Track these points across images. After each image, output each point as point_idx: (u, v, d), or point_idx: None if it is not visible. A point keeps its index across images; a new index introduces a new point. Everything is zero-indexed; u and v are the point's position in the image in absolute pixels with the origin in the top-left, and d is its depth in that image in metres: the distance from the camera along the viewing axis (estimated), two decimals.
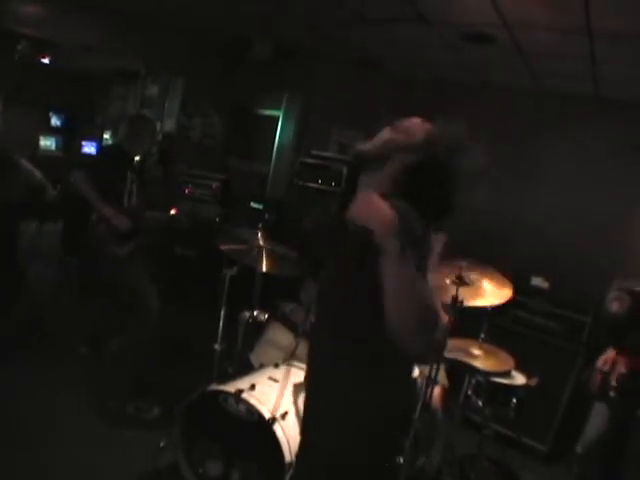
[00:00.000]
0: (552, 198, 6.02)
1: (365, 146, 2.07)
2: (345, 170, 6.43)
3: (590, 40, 4.24)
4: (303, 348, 3.77)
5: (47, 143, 12.18)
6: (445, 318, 1.71)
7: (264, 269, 4.13)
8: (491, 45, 4.99)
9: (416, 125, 2.05)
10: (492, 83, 6.32)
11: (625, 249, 5.50)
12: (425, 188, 1.93)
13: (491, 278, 3.93)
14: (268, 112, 8.12)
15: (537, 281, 5.55)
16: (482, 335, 4.17)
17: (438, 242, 4.42)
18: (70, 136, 12.31)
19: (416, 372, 3.80)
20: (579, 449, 4.10)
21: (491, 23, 4.42)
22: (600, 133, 5.81)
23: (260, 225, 4.27)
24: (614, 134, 5.73)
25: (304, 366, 3.84)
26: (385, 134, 2.06)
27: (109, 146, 5.72)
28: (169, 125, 7.90)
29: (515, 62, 5.34)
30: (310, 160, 6.86)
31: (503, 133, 6.13)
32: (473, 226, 5.11)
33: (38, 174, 6.23)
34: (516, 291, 3.97)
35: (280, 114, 7.91)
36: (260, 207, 7.14)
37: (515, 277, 4.04)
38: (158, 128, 5.12)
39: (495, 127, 6.07)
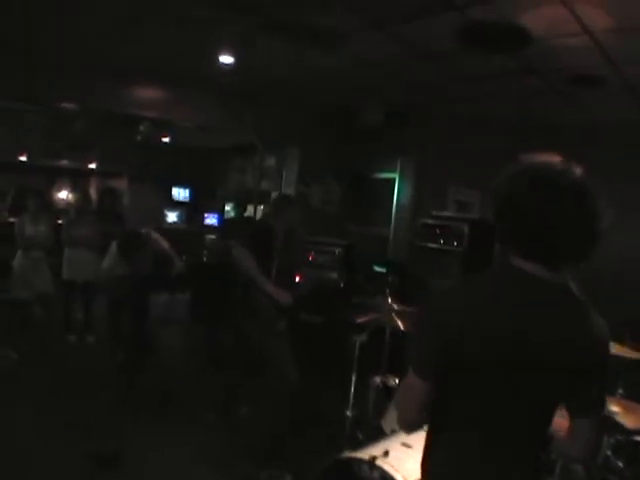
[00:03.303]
0: None
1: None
2: (466, 229, 6.40)
3: None
4: None
5: (172, 217, 12.70)
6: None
7: (401, 328, 4.12)
8: (600, 86, 4.94)
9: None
10: (604, 123, 6.21)
11: None
12: (506, 223, 1.77)
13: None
14: (384, 175, 8.21)
15: None
16: (620, 391, 3.99)
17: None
18: (193, 209, 12.82)
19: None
20: None
21: (598, 65, 4.41)
22: None
23: (387, 289, 4.27)
24: None
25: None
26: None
27: (260, 221, 6.04)
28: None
29: (625, 100, 5.25)
30: (430, 221, 6.86)
31: (619, 173, 5.98)
32: (597, 272, 4.96)
33: (166, 245, 6.50)
34: None
35: (396, 176, 7.99)
36: (383, 270, 7.15)
37: None
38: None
39: (610, 167, 5.95)
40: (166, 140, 11.03)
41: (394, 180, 8.06)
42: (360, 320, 4.16)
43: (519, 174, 1.73)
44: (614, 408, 3.86)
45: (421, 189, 7.94)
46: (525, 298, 1.75)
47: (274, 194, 8.32)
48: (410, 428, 1.97)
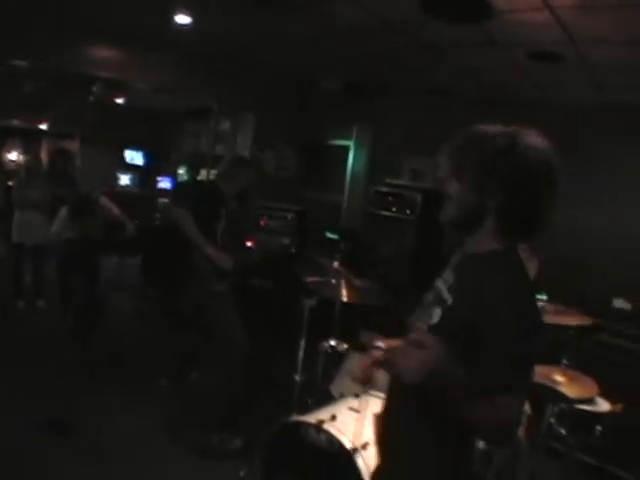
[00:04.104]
0: (629, 216, 5.87)
1: (447, 211, 1.87)
2: (419, 198, 6.45)
3: None
4: (383, 378, 3.76)
5: (125, 179, 12.57)
6: None
7: (344, 299, 4.14)
8: (559, 63, 4.98)
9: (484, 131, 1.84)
10: (561, 100, 6.26)
11: None
12: (513, 201, 1.74)
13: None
14: (339, 142, 8.19)
15: (619, 303, 5.41)
16: (564, 361, 4.07)
17: (532, 267, 4.31)
18: (146, 173, 12.68)
19: None
20: None
21: (558, 41, 4.42)
22: None
23: (338, 255, 4.26)
24: None
25: (384, 396, 3.83)
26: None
27: (207, 183, 5.92)
28: None
29: (582, 78, 5.31)
30: (384, 189, 6.90)
31: (574, 150, 6.05)
32: (548, 248, 5.04)
33: (116, 211, 6.46)
34: (598, 314, 3.88)
35: (351, 144, 7.97)
36: (336, 237, 7.17)
37: (596, 300, 3.95)
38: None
39: (566, 144, 6.02)
40: (120, 101, 10.85)
41: (349, 147, 8.05)
42: (308, 280, 4.15)
43: (522, 148, 1.75)
44: (558, 378, 3.94)
45: (376, 157, 7.96)
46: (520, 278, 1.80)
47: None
48: None
